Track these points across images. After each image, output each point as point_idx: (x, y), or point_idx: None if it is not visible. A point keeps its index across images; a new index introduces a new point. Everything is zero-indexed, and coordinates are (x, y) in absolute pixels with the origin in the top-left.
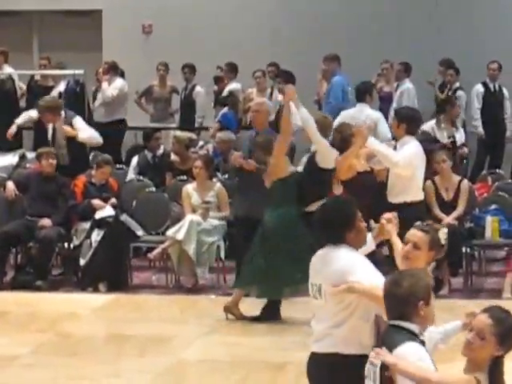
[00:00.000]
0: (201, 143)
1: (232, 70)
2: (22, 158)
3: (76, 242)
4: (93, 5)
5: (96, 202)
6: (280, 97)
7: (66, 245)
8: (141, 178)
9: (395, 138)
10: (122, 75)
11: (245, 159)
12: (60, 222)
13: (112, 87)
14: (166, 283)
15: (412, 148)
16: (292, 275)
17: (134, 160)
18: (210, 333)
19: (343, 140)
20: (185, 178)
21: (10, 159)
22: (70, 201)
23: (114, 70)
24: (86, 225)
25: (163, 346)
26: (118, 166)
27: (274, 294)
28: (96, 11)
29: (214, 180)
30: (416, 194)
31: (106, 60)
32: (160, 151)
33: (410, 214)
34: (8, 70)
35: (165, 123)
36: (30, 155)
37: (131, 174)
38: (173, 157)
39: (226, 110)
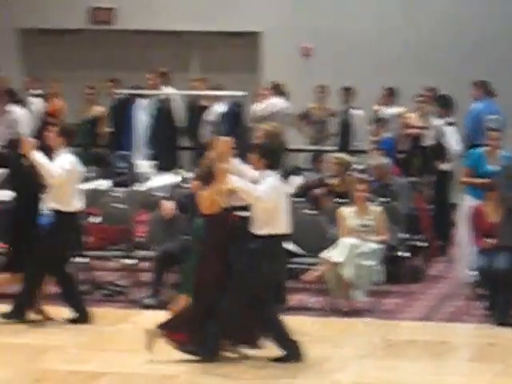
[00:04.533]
0: (361, 167)
1: (391, 94)
2: (182, 177)
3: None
4: (252, 27)
5: None
6: (436, 121)
7: None
8: (298, 199)
9: None
10: (285, 97)
11: None
12: None
13: (261, 106)
14: (322, 306)
15: (271, 181)
16: None
17: (297, 181)
18: (366, 356)
19: (208, 174)
20: (342, 200)
21: (170, 179)
22: None
23: (275, 90)
24: None
25: (317, 368)
26: None
27: None
28: (255, 33)
29: (372, 204)
30: (279, 226)
31: (265, 82)
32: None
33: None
34: (168, 90)
35: (322, 145)
36: (189, 175)
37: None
38: (331, 179)
39: (388, 134)
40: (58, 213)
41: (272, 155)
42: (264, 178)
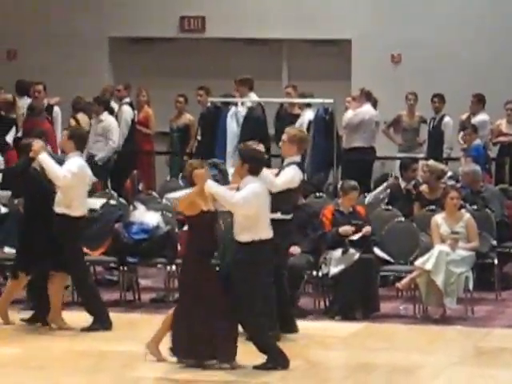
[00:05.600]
0: (449, 174)
1: (480, 101)
2: None
3: (325, 270)
4: (342, 34)
5: (344, 229)
6: None
7: (314, 273)
8: (389, 207)
9: None
10: (375, 104)
11: None
12: (309, 249)
13: (352, 113)
14: (414, 313)
15: (253, 187)
16: None
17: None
18: (459, 364)
19: (190, 176)
20: (433, 208)
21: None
22: (318, 230)
23: (365, 97)
24: (336, 253)
25: (410, 377)
26: (365, 194)
27: None
28: (345, 41)
29: (463, 211)
30: (261, 232)
31: (355, 89)
32: (412, 182)
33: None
34: (253, 97)
35: (412, 153)
36: None
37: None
38: (422, 186)
39: (478, 142)
40: (63, 216)
41: (254, 161)
42: (246, 183)
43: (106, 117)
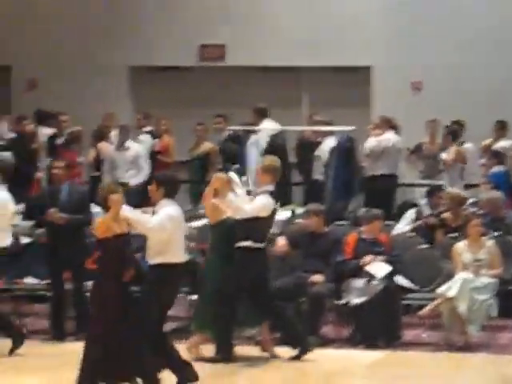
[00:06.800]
0: (471, 200)
1: (502, 127)
2: (293, 213)
3: (347, 298)
4: (362, 61)
5: (365, 261)
6: None
7: (336, 301)
8: (412, 234)
9: None
10: (396, 131)
11: None
12: (332, 278)
13: (375, 141)
14: (437, 340)
15: (168, 211)
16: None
17: (410, 214)
18: None
19: (105, 200)
20: (456, 235)
21: (281, 214)
22: (338, 256)
23: (385, 124)
24: (357, 283)
25: None
26: (387, 221)
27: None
28: (365, 68)
29: (486, 238)
30: (173, 256)
31: (375, 116)
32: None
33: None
34: (266, 125)
35: (434, 180)
36: (300, 210)
37: (402, 227)
38: (445, 214)
39: (499, 168)
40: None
41: (169, 184)
42: (161, 207)
43: (131, 145)
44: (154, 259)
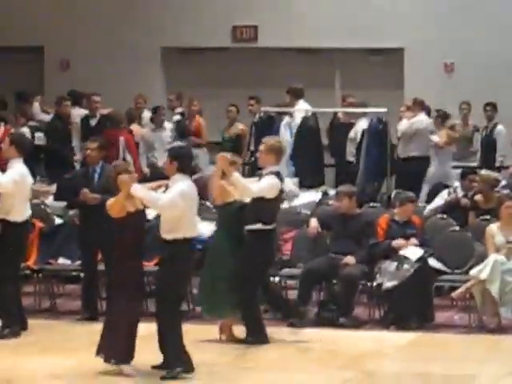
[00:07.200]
0: (503, 183)
1: None
2: (325, 194)
3: (379, 280)
4: (395, 43)
5: (397, 242)
6: None
7: (369, 283)
8: (444, 216)
9: None
10: (429, 113)
11: None
12: (364, 259)
13: (407, 123)
14: (469, 322)
15: (181, 187)
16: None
17: (444, 194)
18: None
19: (115, 181)
20: (488, 217)
21: (313, 196)
22: (371, 239)
23: (418, 106)
24: (390, 266)
25: None
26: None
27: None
28: (398, 49)
29: None
30: (186, 231)
31: (407, 98)
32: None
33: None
34: (301, 106)
35: (466, 162)
36: (332, 192)
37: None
38: (477, 196)
39: None
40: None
41: (182, 158)
42: (174, 182)
43: (167, 125)
44: (167, 235)
